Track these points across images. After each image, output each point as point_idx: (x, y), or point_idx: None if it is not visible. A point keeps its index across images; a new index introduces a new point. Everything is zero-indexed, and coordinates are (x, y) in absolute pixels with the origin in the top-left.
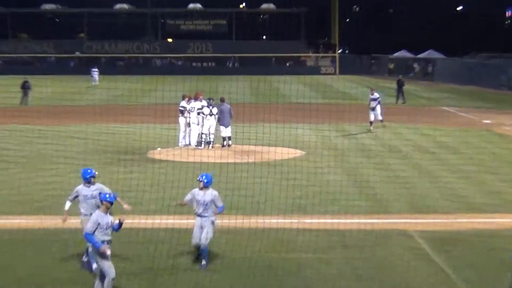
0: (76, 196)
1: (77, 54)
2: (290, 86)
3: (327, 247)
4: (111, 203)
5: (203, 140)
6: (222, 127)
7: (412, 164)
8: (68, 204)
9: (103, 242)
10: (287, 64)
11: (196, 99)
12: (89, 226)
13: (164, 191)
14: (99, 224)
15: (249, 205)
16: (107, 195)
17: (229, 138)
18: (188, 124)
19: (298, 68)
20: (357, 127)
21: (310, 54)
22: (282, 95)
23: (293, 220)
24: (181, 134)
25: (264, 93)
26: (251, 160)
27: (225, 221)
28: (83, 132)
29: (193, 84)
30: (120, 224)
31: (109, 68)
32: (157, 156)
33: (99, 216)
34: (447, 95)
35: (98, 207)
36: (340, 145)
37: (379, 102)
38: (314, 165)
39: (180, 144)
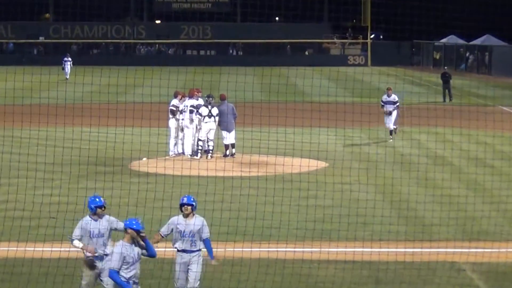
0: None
1: (41, 39)
2: (310, 80)
3: (356, 283)
4: (138, 232)
5: (200, 148)
6: (224, 132)
7: (465, 180)
8: (78, 243)
9: (128, 281)
10: (306, 52)
11: (191, 96)
12: (114, 262)
13: (151, 213)
14: (124, 258)
15: (258, 230)
16: (133, 221)
17: (233, 145)
18: (181, 128)
19: (320, 57)
20: (395, 132)
21: (335, 40)
22: (300, 92)
23: (314, 249)
24: (172, 141)
25: (277, 90)
26: (260, 173)
27: (228, 250)
28: (50, 137)
29: (187, 77)
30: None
31: (82, 57)
32: (142, 169)
33: (124, 247)
34: (508, 93)
35: (105, 245)
36: (373, 155)
37: (397, 107)
38: (340, 181)
39: (171, 153)
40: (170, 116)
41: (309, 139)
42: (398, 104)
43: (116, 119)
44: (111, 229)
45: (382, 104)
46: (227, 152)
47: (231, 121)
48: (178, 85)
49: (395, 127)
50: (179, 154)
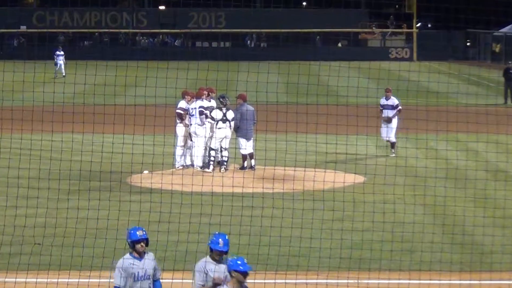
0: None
1: (23, 29)
2: (345, 79)
3: None
4: (246, 275)
5: (213, 159)
6: (241, 140)
7: None
8: None
9: None
10: (339, 44)
11: (199, 97)
12: None
13: (156, 237)
14: None
15: (283, 258)
16: (239, 262)
17: (252, 156)
18: (190, 135)
19: (356, 51)
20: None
21: (374, 30)
22: (334, 92)
23: (350, 281)
24: (179, 150)
25: (306, 90)
26: (286, 190)
27: (248, 282)
28: (35, 146)
29: (199, 75)
30: None
31: (71, 50)
32: (144, 184)
33: None
34: None
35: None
36: (421, 169)
37: (398, 112)
38: (382, 199)
39: (177, 164)
40: (178, 121)
41: (344, 149)
42: (399, 108)
43: (113, 125)
44: (227, 260)
45: (381, 108)
46: (245, 164)
47: (250, 128)
48: (188, 84)
49: (394, 141)
50: (187, 166)
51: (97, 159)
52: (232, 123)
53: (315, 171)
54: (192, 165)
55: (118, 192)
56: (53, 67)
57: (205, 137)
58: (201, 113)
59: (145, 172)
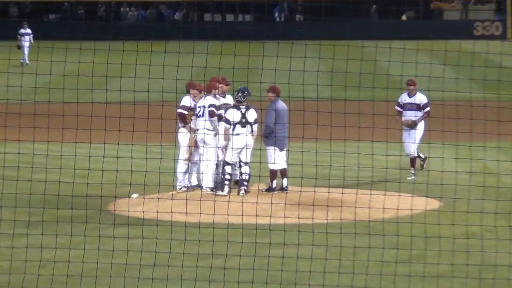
0: None
1: None
2: (411, 66)
3: None
4: None
5: (228, 177)
6: (272, 151)
7: None
8: None
9: None
10: (404, 17)
11: (209, 91)
12: None
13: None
14: None
15: None
16: None
17: (284, 173)
18: (197, 145)
19: (427, 26)
20: None
21: None
22: (395, 83)
23: None
24: (182, 165)
25: (359, 81)
26: (331, 220)
27: None
28: None
29: (209, 61)
30: None
31: (31, 27)
32: (132, 212)
33: None
34: None
35: None
36: None
37: (426, 115)
38: (465, 232)
39: (179, 185)
40: (180, 124)
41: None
42: (427, 110)
43: (90, 131)
44: None
45: (399, 109)
46: (274, 184)
47: (284, 132)
48: (193, 74)
49: (423, 156)
50: (193, 188)
51: (68, 178)
52: (255, 126)
53: (371, 194)
54: (200, 186)
55: (97, 224)
56: (17, 51)
57: (218, 147)
58: (212, 114)
59: (134, 196)
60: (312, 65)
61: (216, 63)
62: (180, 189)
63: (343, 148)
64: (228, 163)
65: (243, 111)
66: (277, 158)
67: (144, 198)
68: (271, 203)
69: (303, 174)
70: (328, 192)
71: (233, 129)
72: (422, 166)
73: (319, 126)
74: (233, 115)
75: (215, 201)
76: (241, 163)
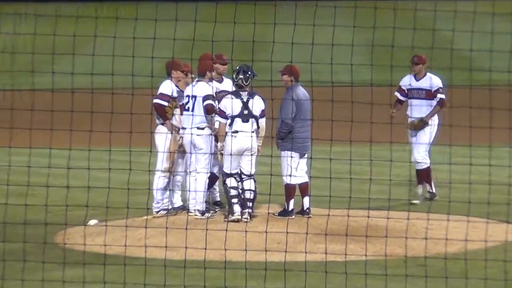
0: None
1: None
2: (483, 35)
3: None
4: None
5: (236, 194)
6: (288, 159)
7: None
8: None
9: None
10: None
11: (202, 73)
12: None
13: None
14: None
15: None
16: None
17: (305, 190)
18: (180, 149)
19: None
20: None
21: None
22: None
23: None
24: (160, 179)
25: (407, 57)
26: (372, 255)
27: None
28: None
29: (198, 30)
30: None
31: None
32: (89, 246)
33: None
34: None
35: None
36: None
37: (440, 104)
38: None
39: (156, 206)
40: (157, 121)
41: (486, 173)
42: (440, 99)
43: (30, 131)
44: None
45: (401, 97)
46: (291, 205)
47: (306, 132)
48: (177, 49)
49: (426, 165)
50: (175, 210)
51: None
52: (262, 121)
53: (428, 219)
54: (185, 207)
55: (40, 264)
56: None
57: (211, 153)
58: (210, 109)
59: (93, 222)
60: (344, 37)
61: (208, 33)
62: (157, 212)
63: (388, 154)
64: (228, 175)
65: (244, 99)
66: (295, 169)
67: (106, 225)
68: (287, 232)
69: (331, 191)
70: (368, 217)
71: (231, 125)
72: (426, 199)
73: (355, 123)
74: (231, 105)
75: (207, 229)
76: (243, 176)
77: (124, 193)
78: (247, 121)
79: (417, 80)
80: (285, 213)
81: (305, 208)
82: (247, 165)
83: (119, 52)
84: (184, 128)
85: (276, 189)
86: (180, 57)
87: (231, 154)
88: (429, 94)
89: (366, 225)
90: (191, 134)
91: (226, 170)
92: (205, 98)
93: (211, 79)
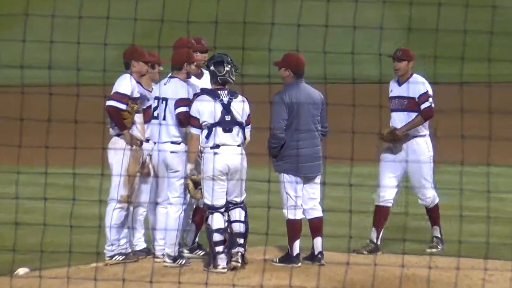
0: None
1: None
2: None
3: None
4: None
5: (220, 240)
6: (290, 184)
7: None
8: None
9: None
10: None
11: (178, 65)
12: None
13: None
14: None
15: None
16: None
17: (318, 227)
18: (144, 171)
19: None
20: None
21: None
22: None
23: None
24: (116, 212)
25: (463, 41)
26: None
27: None
28: None
29: (167, 8)
30: None
31: None
32: None
33: None
34: None
35: None
36: None
37: (427, 113)
38: None
39: (109, 250)
40: (112, 131)
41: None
42: (427, 106)
43: None
44: None
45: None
46: (296, 249)
47: (316, 145)
48: (138, 34)
49: (433, 200)
50: (136, 254)
51: None
52: (247, 131)
53: (485, 269)
54: (150, 251)
55: None
56: None
57: (185, 176)
58: (183, 119)
59: (22, 271)
60: (370, 16)
61: (182, 11)
62: (112, 258)
63: (439, 175)
64: (212, 209)
65: (225, 100)
66: (299, 197)
67: (40, 276)
68: (290, 286)
69: (352, 228)
70: (402, 266)
71: (208, 138)
72: (369, 251)
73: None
74: (208, 109)
75: (179, 282)
76: (229, 204)
77: (65, 231)
78: (230, 130)
79: (400, 84)
80: (288, 259)
81: (316, 253)
82: (234, 191)
83: (59, 36)
84: (148, 141)
85: (276, 226)
86: (144, 44)
87: (212, 178)
88: (412, 105)
89: (400, 276)
90: (160, 151)
91: (208, 201)
92: (178, 103)
93: (188, 75)
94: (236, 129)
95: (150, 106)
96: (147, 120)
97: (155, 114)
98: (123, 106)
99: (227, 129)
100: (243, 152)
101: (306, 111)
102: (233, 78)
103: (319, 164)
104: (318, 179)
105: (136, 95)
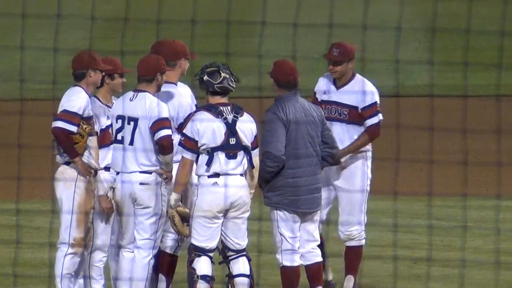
0: None
1: None
2: None
3: None
4: None
5: None
6: (285, 224)
7: None
8: None
9: None
10: None
11: (151, 76)
12: None
13: None
14: None
15: None
16: None
17: (316, 273)
18: (106, 206)
19: None
20: None
21: None
22: None
23: None
24: (66, 258)
25: (500, 44)
26: None
27: None
28: None
29: (132, 5)
30: None
31: None
32: None
33: None
34: None
35: None
36: None
37: (370, 134)
38: None
39: None
40: (60, 158)
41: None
42: (373, 123)
43: None
44: None
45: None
46: None
47: (310, 173)
48: (96, 35)
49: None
50: None
51: None
52: (255, 157)
53: None
54: None
55: None
56: None
57: (160, 214)
58: (166, 146)
59: None
60: (387, 13)
61: (149, 9)
62: None
63: (463, 213)
64: (200, 251)
65: (229, 118)
66: (295, 238)
67: None
68: None
69: (363, 279)
70: None
71: (208, 165)
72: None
73: (405, 162)
74: (208, 129)
75: None
76: (229, 252)
77: (6, 282)
78: (235, 156)
79: (338, 87)
80: None
81: None
82: (236, 233)
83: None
84: (108, 170)
85: (267, 275)
86: (104, 48)
87: (206, 216)
88: (353, 116)
89: None
90: (125, 182)
91: (196, 242)
92: (159, 124)
93: (159, 88)
94: (241, 154)
95: (109, 126)
96: (105, 144)
97: (119, 137)
98: (73, 128)
99: (231, 155)
100: (246, 183)
101: (303, 131)
102: (233, 85)
103: (318, 196)
104: (317, 216)
105: (89, 113)
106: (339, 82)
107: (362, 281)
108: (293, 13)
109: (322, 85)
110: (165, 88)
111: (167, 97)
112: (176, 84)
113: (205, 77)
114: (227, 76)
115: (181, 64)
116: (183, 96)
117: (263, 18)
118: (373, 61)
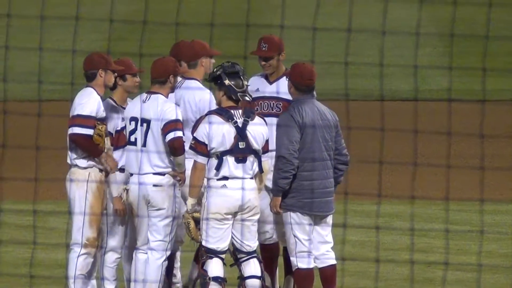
0: None
1: None
2: None
3: None
4: None
5: None
6: (299, 227)
7: None
8: None
9: None
10: None
11: (164, 77)
12: None
13: None
14: None
15: None
16: None
17: (330, 277)
18: (119, 208)
19: None
20: None
21: None
22: None
23: None
24: (79, 259)
25: None
26: None
27: None
28: None
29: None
30: None
31: None
32: None
33: None
34: None
35: None
36: None
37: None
38: None
39: None
40: (71, 159)
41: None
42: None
43: None
44: None
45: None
46: None
47: (324, 176)
48: (114, 37)
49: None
50: None
51: None
52: (266, 160)
53: None
54: None
55: None
56: None
57: (174, 216)
58: (177, 147)
59: None
60: (403, 17)
61: (166, 11)
62: None
63: (475, 217)
64: (211, 253)
65: (239, 122)
66: (309, 240)
67: None
68: None
69: (378, 281)
70: None
71: (218, 169)
72: None
73: (422, 166)
74: (218, 132)
75: None
76: (240, 255)
77: (21, 283)
78: (244, 160)
79: (271, 82)
80: None
81: None
82: (246, 235)
83: (14, 41)
84: (123, 171)
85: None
86: (120, 51)
87: (215, 218)
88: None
89: None
90: (139, 184)
91: (207, 244)
92: (170, 126)
93: (172, 90)
94: (251, 158)
95: (124, 127)
96: (120, 146)
97: (132, 139)
98: (90, 131)
99: (240, 159)
100: (255, 186)
101: (319, 135)
102: (251, 94)
103: (331, 200)
104: (330, 219)
105: (102, 114)
106: (271, 77)
107: (377, 284)
108: (311, 17)
109: (254, 84)
110: (187, 83)
111: (188, 91)
112: (199, 81)
113: (227, 81)
114: (247, 83)
115: (202, 62)
116: (205, 91)
117: (281, 23)
118: (390, 66)
